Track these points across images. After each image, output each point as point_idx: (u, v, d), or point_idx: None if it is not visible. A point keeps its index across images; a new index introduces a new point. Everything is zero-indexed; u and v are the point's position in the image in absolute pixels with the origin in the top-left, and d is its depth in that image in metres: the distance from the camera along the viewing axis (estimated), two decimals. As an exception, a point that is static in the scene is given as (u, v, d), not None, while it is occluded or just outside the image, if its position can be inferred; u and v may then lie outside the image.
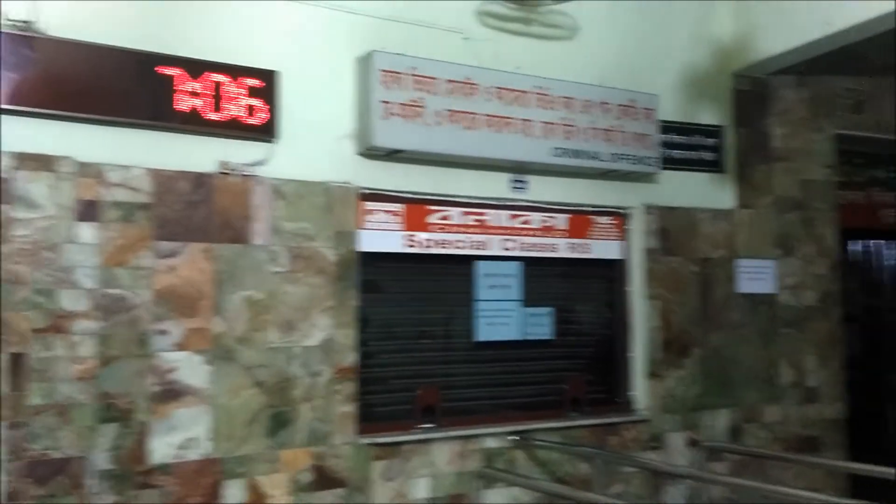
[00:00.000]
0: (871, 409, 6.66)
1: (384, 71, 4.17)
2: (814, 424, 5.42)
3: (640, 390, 5.02)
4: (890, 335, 6.75)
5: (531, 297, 4.80)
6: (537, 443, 4.58)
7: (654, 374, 5.02)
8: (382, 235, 4.39)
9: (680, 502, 4.96)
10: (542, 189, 4.80)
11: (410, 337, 4.52)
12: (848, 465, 5.45)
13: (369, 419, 4.24)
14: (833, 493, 5.31)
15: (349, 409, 4.11)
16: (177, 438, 3.71)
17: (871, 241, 6.72)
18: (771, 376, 5.35)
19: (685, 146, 5.21)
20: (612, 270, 5.13)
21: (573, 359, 5.01)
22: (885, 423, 6.74)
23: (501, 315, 4.72)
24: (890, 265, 6.78)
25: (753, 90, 5.43)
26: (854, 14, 4.49)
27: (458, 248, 4.61)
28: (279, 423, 3.95)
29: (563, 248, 4.93)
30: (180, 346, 3.74)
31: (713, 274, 5.25)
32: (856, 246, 6.65)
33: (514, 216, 4.78)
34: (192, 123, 3.82)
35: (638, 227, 5.08)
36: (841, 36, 4.66)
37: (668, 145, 5.10)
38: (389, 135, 4.19)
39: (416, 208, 4.50)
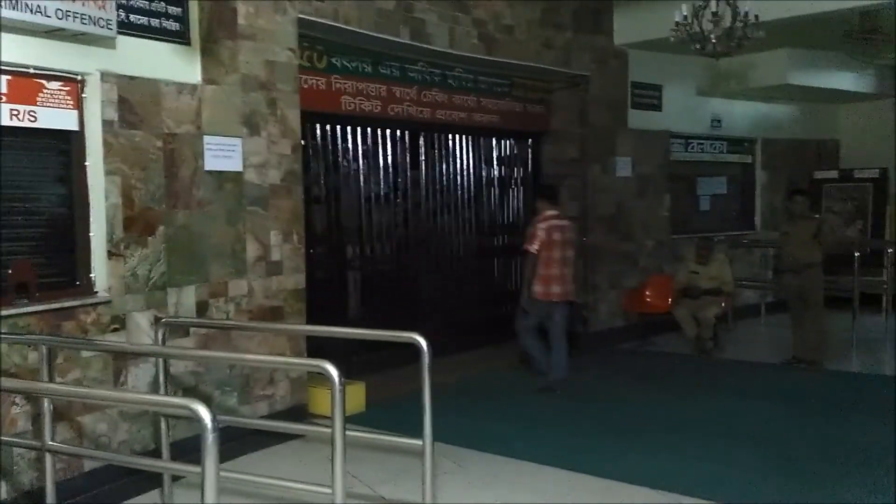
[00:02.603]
0: (332, 278, 7.40)
1: None
2: (277, 295, 5.77)
3: (101, 271, 4.75)
4: (347, 213, 7.48)
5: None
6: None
7: (115, 254, 4.78)
8: None
9: (145, 381, 4.89)
10: (-30, 43, 4.08)
11: None
12: (309, 329, 5.98)
13: None
14: (293, 354, 5.82)
15: None
16: None
17: (335, 126, 7.27)
18: (237, 252, 5.51)
19: (147, 11, 4.89)
20: (66, 143, 4.67)
21: (21, 241, 4.50)
22: (344, 288, 7.54)
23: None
24: (350, 149, 7.45)
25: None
26: None
27: None
28: None
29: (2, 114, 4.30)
30: None
31: (179, 150, 5.13)
32: (319, 129, 7.14)
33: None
34: None
35: (95, 96, 4.68)
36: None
37: (126, 8, 4.74)
38: None
39: None
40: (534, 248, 6.65)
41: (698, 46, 6.01)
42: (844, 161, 11.78)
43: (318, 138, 7.16)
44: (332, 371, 2.99)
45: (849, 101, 11.32)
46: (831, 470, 4.83)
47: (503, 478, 4.85)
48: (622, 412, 6.22)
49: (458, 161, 8.52)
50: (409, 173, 7.98)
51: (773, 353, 8.14)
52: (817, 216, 8.05)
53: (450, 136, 8.38)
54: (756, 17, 5.89)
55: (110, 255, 4.76)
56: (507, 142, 9.03)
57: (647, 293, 9.09)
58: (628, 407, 6.40)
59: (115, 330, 4.77)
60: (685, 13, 5.99)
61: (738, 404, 6.41)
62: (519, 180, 9.19)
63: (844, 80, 10.35)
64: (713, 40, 5.86)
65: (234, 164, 5.48)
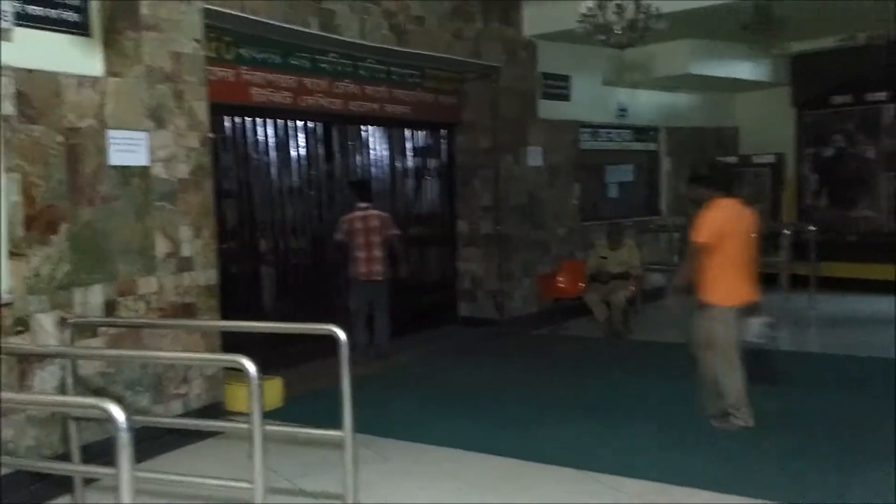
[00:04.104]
0: (246, 273, 7.30)
1: None
2: (188, 292, 5.66)
3: (3, 272, 4.56)
4: (261, 207, 7.39)
5: None
6: None
7: (16, 254, 4.60)
8: None
9: (52, 385, 4.73)
10: None
11: None
12: (222, 325, 5.90)
13: None
14: (207, 351, 5.73)
15: None
16: None
17: (244, 118, 7.16)
18: (146, 248, 5.38)
19: (45, 2, 4.70)
20: (-40, 139, 4.47)
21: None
22: (259, 283, 7.45)
23: None
24: (262, 142, 7.35)
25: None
26: None
27: None
28: None
29: None
30: None
31: (82, 145, 4.96)
32: (228, 122, 7.02)
33: None
34: None
35: (-10, 90, 4.49)
36: None
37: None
38: None
39: None
40: (337, 237, 7.54)
41: (603, 37, 6.15)
42: (743, 147, 12.30)
43: (229, 131, 7.04)
44: (248, 365, 2.98)
45: (747, 89, 11.81)
46: (732, 445, 5.08)
47: (425, 465, 4.91)
48: (537, 395, 6.36)
49: (372, 152, 8.51)
50: (322, 165, 7.94)
51: (681, 334, 8.44)
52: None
53: (363, 128, 8.36)
54: (657, 8, 6.09)
55: (11, 255, 4.58)
56: (421, 133, 9.07)
57: (560, 279, 9.31)
58: (542, 390, 6.56)
59: (20, 332, 4.60)
60: (591, 4, 6.13)
61: (647, 383, 6.65)
62: (433, 171, 9.25)
63: (742, 70, 10.79)
64: (617, 31, 6.02)
65: (140, 158, 5.34)
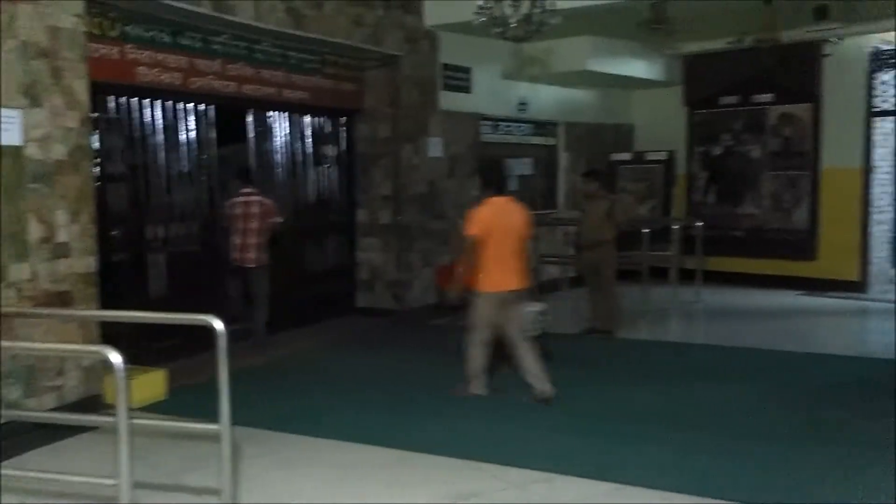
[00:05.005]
0: (132, 260, 7.01)
1: None
2: (65, 280, 5.39)
3: None
4: (148, 191, 7.11)
5: None
6: None
7: None
8: None
9: None
10: None
11: None
12: (96, 314, 5.64)
13: None
14: (86, 342, 5.47)
15: None
16: None
17: (130, 99, 6.86)
18: (18, 233, 5.08)
19: None
20: None
21: None
22: (145, 271, 7.17)
23: None
24: (149, 123, 7.06)
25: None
26: None
27: None
28: None
29: None
30: None
31: (-55, 121, 4.65)
32: (113, 102, 6.71)
33: None
34: None
35: None
36: None
37: None
38: None
39: None
40: (223, 223, 7.52)
41: (500, 30, 6.19)
42: (638, 144, 12.64)
43: (113, 111, 6.73)
44: (113, 357, 2.84)
45: (642, 87, 12.13)
46: (623, 428, 5.21)
47: (308, 456, 4.84)
48: (430, 386, 6.35)
49: (270, 138, 8.32)
50: (214, 150, 7.69)
51: (574, 324, 8.62)
52: (610, 196, 8.58)
53: (259, 113, 8.15)
54: (553, 3, 6.16)
55: None
56: (320, 120, 8.92)
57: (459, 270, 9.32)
58: (436, 381, 6.55)
59: None
60: (488, -3, 6.15)
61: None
62: (333, 159, 9.12)
63: (638, 69, 11.07)
64: (513, 25, 6.06)
65: (12, 137, 5.03)
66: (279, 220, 7.57)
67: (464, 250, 5.86)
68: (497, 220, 5.78)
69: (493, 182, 6.05)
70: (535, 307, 6.38)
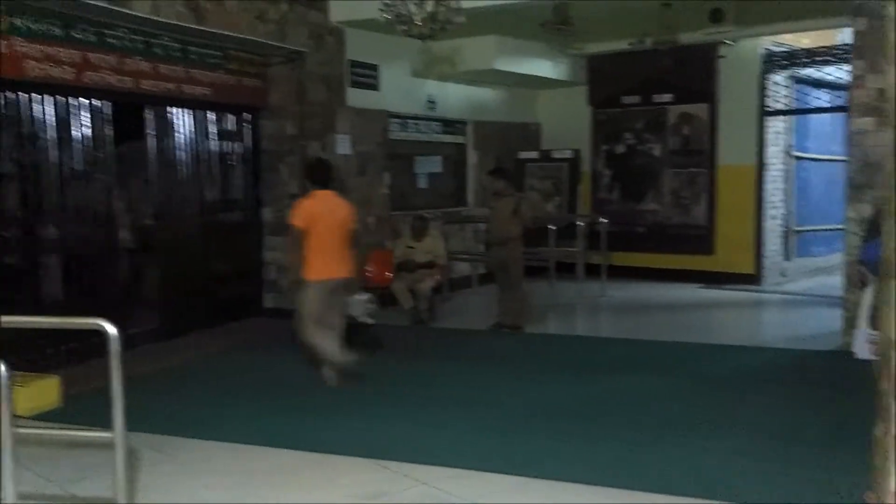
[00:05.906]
0: (23, 263, 6.69)
1: None
2: (-53, 283, 5.10)
3: None
4: (40, 191, 6.80)
5: None
6: None
7: None
8: None
9: None
10: None
11: None
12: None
13: None
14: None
15: None
16: None
17: (18, 94, 6.54)
18: None
19: None
20: None
21: None
22: (37, 273, 6.85)
23: None
24: (40, 120, 6.74)
25: None
26: None
27: None
28: None
29: None
30: None
31: None
32: (0, 97, 6.39)
33: None
34: None
35: None
36: None
37: None
38: None
39: None
40: None
41: (405, 28, 6.19)
42: (545, 142, 12.85)
43: (1, 107, 6.40)
44: (-8, 365, 2.70)
45: (548, 87, 12.33)
46: (531, 422, 5.27)
47: (214, 462, 4.72)
48: (329, 387, 6.26)
49: (171, 135, 8.06)
50: (112, 147, 7.41)
51: (484, 321, 8.70)
52: (516, 194, 8.69)
53: (159, 109, 7.89)
54: (457, 2, 6.19)
55: None
56: (224, 116, 8.71)
57: (368, 269, 9.28)
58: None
59: None
60: (393, -6, 6.13)
61: (450, 369, 6.78)
62: (237, 156, 8.92)
63: (544, 68, 11.25)
64: (418, 23, 6.06)
65: None
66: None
67: (290, 241, 6.23)
68: (320, 212, 6.09)
69: (318, 177, 6.32)
70: (362, 296, 6.86)
